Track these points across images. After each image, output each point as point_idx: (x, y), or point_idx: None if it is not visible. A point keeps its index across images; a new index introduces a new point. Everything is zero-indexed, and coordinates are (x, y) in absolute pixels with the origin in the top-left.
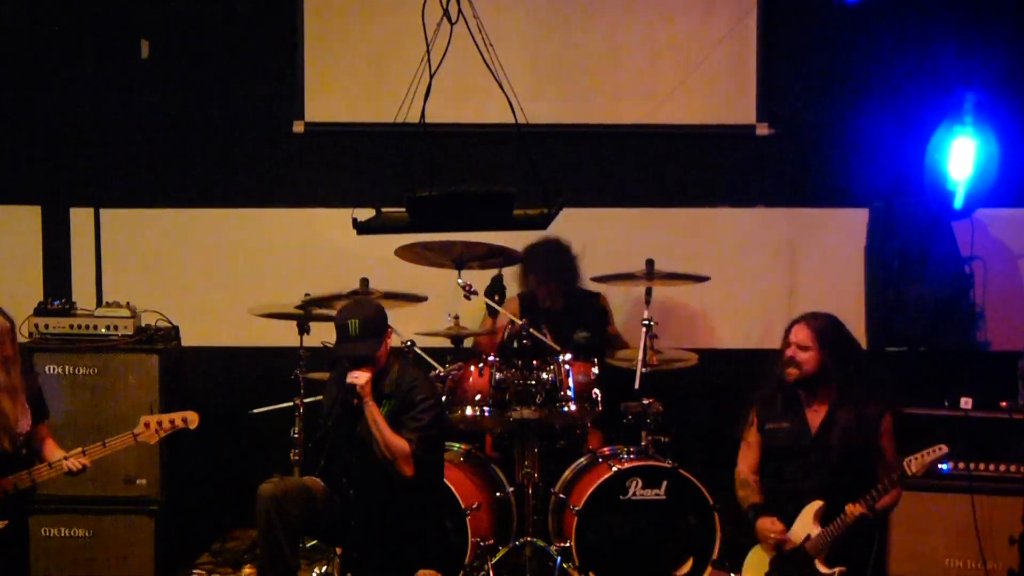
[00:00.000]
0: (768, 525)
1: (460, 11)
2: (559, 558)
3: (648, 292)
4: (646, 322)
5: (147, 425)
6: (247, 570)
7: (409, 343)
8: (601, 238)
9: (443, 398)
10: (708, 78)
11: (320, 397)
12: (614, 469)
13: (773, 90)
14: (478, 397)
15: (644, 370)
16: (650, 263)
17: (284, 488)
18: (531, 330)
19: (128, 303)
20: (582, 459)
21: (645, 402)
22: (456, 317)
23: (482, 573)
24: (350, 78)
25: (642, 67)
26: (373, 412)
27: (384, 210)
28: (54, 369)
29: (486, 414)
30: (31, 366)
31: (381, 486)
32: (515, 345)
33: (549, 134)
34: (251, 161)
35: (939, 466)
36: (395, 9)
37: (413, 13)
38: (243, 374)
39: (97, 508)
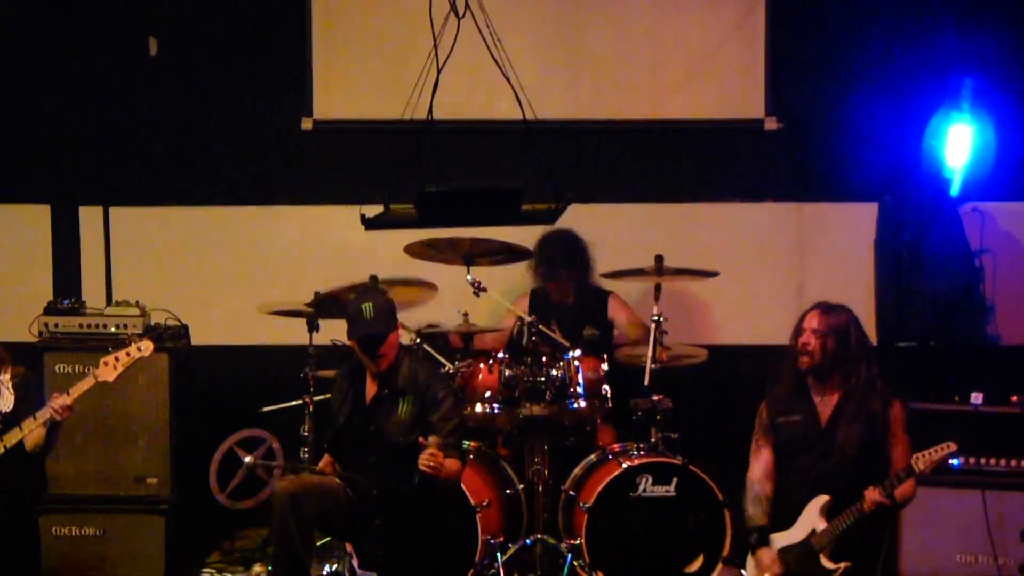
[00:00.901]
0: (767, 562)
1: (467, 6)
2: (569, 555)
3: (657, 288)
4: (655, 318)
5: (105, 363)
6: (258, 568)
7: (418, 341)
8: (609, 234)
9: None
10: (716, 73)
11: (329, 396)
12: (624, 466)
13: (781, 84)
14: (488, 394)
15: (654, 366)
16: (659, 259)
17: (300, 485)
18: (540, 327)
19: (138, 302)
20: (592, 456)
21: (655, 398)
22: (466, 314)
23: (492, 571)
24: (358, 75)
25: (650, 62)
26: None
27: (393, 206)
28: (64, 368)
29: (496, 411)
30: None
31: (399, 482)
32: (524, 342)
33: (557, 129)
34: (260, 159)
35: (950, 461)
36: (403, 5)
37: (421, 9)
38: (253, 372)
39: (108, 507)
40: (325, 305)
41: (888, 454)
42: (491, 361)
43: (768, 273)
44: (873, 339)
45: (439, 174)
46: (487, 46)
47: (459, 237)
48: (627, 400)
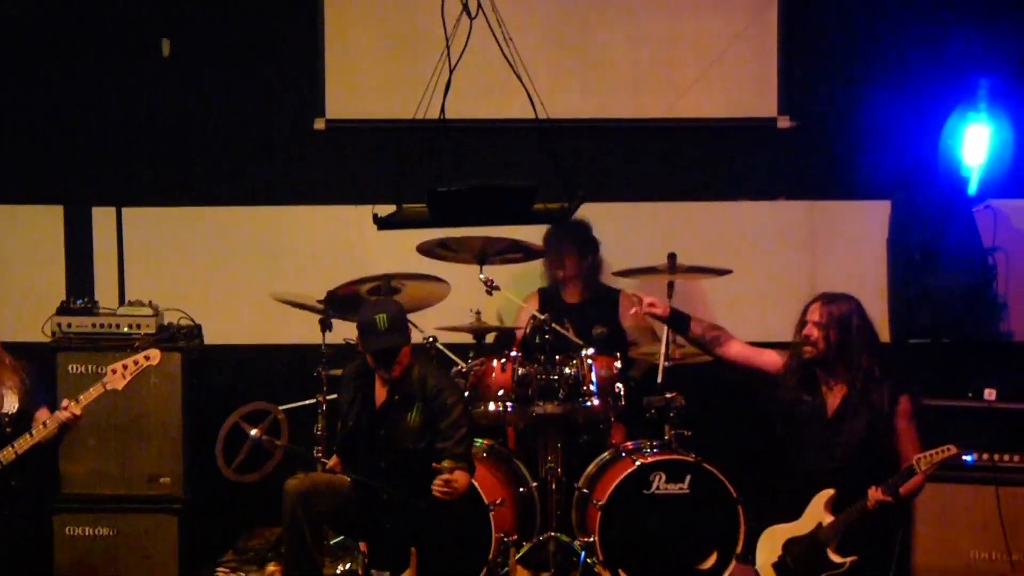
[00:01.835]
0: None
1: (480, 6)
2: (583, 553)
3: (670, 286)
4: None
5: (114, 371)
6: (271, 568)
7: (431, 339)
8: (622, 232)
9: (465, 394)
10: (729, 71)
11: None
12: (637, 463)
13: (794, 82)
14: (501, 392)
15: (667, 364)
16: (672, 256)
17: (310, 484)
18: (554, 324)
19: (151, 301)
20: (605, 453)
21: (668, 396)
22: (478, 312)
23: (506, 568)
24: (370, 74)
25: (663, 61)
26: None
27: (405, 206)
28: (77, 368)
29: (509, 409)
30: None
31: (409, 485)
32: (537, 340)
33: (570, 128)
34: (272, 158)
35: (963, 458)
36: (415, 4)
37: (433, 8)
38: (266, 371)
39: (121, 507)
40: (337, 302)
41: (895, 447)
42: (504, 359)
43: (781, 271)
44: (886, 336)
45: (452, 173)
46: (499, 46)
47: (471, 236)
48: (640, 398)
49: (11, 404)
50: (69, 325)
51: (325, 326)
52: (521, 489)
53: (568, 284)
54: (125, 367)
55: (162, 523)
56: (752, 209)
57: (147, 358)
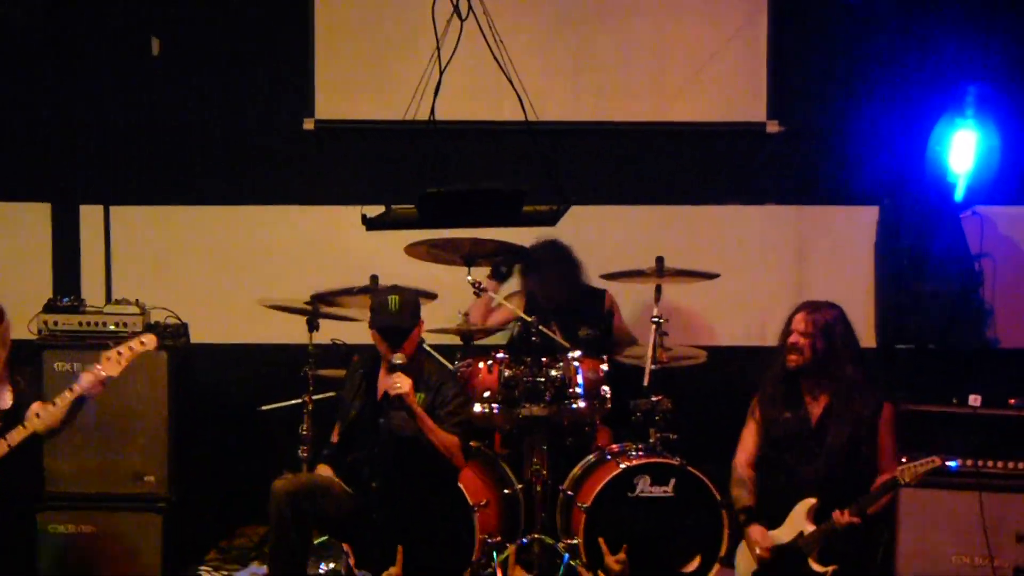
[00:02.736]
0: (757, 536)
1: (470, 8)
2: (567, 555)
3: (658, 289)
4: (656, 319)
5: (108, 358)
6: (255, 567)
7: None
8: (611, 235)
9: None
10: (719, 76)
11: (331, 394)
12: (622, 466)
13: (784, 88)
14: (487, 394)
15: (653, 367)
16: (660, 260)
17: (298, 484)
18: (540, 327)
19: (137, 300)
20: (590, 456)
21: (654, 399)
22: (466, 314)
23: (489, 570)
24: (361, 76)
25: (653, 65)
26: (423, 418)
27: (394, 207)
28: (63, 366)
29: (495, 411)
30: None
31: (404, 478)
32: (524, 342)
33: (559, 131)
34: (262, 158)
35: (947, 463)
36: (405, 6)
37: (423, 10)
38: (252, 371)
39: (105, 505)
40: (323, 302)
41: (873, 457)
42: (490, 361)
43: (768, 275)
44: (872, 342)
45: (441, 175)
46: (490, 48)
47: (460, 238)
48: (627, 401)
49: (4, 400)
50: (55, 323)
51: (312, 326)
52: (506, 491)
53: (551, 299)
54: (120, 353)
55: (146, 522)
56: (741, 213)
57: (142, 343)
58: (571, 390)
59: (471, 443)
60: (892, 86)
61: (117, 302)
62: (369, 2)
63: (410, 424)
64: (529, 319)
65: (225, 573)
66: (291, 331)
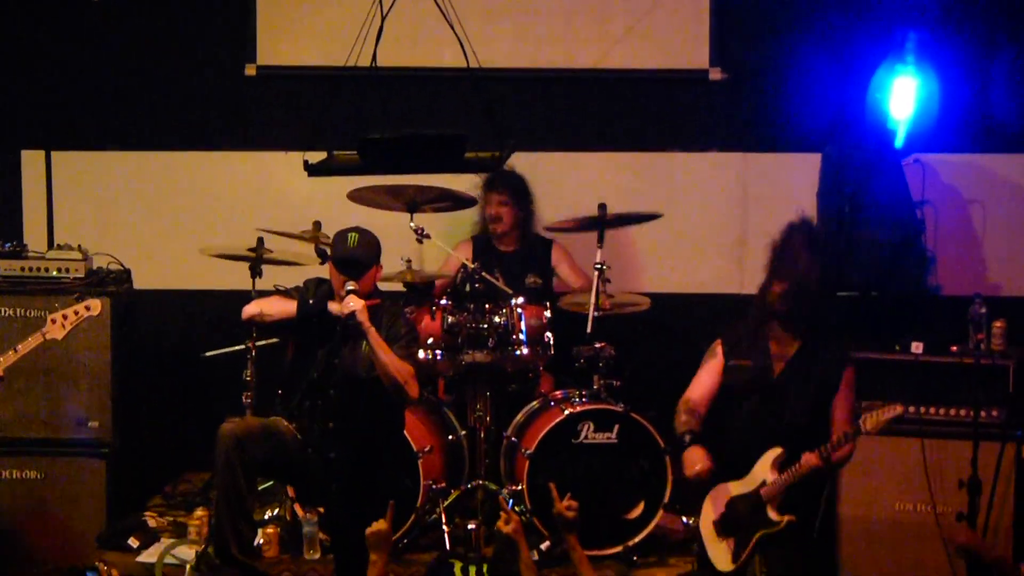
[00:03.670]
0: (696, 457)
1: None
2: (511, 501)
3: (600, 236)
4: (598, 266)
5: (53, 321)
6: (199, 512)
7: None
8: (553, 182)
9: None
10: (661, 22)
11: (274, 340)
12: (566, 412)
13: (726, 34)
14: (430, 340)
15: (596, 314)
16: (602, 207)
17: (245, 427)
18: (483, 273)
19: (79, 246)
20: (534, 403)
21: (597, 346)
22: (409, 261)
23: (434, 516)
24: (302, 21)
25: (595, 11)
26: (375, 337)
27: (336, 153)
28: (4, 311)
29: (438, 357)
30: None
31: (359, 416)
32: (467, 288)
33: (501, 78)
34: (203, 104)
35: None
36: None
37: None
38: (195, 317)
39: (49, 450)
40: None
41: (830, 412)
42: (434, 308)
43: (711, 222)
44: None
45: (383, 121)
46: None
47: (402, 184)
48: (570, 347)
49: None
50: None
51: (255, 272)
52: (450, 437)
53: (503, 234)
54: (65, 316)
55: (90, 467)
56: (684, 160)
57: (87, 308)
58: (514, 336)
59: (428, 393)
60: (834, 31)
61: (59, 247)
62: None
63: (365, 363)
64: (472, 265)
65: (170, 519)
66: (234, 277)
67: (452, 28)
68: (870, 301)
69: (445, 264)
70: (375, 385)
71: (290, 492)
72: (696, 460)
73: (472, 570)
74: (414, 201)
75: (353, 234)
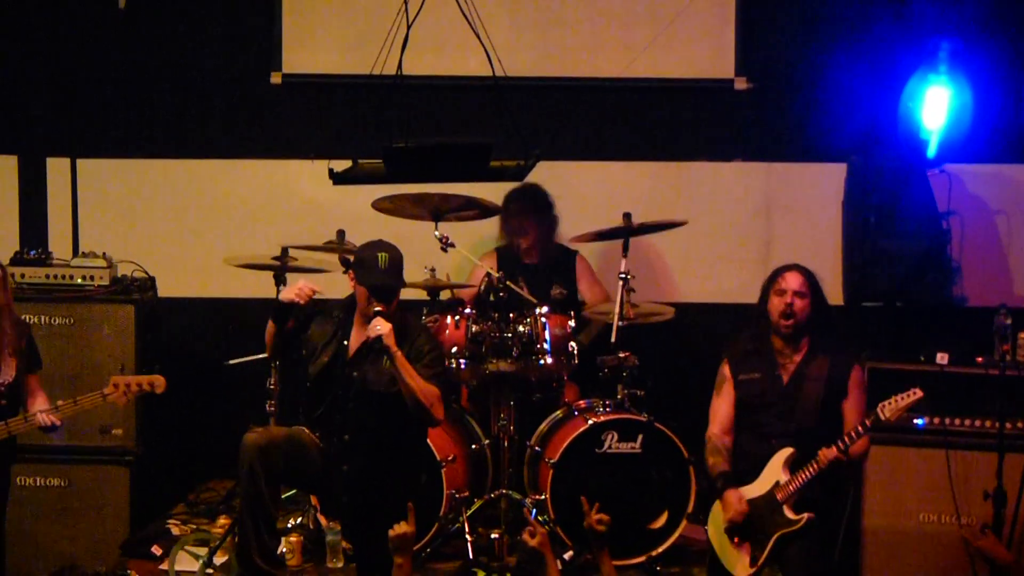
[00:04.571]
0: (733, 500)
1: None
2: (534, 510)
3: (625, 244)
4: (623, 275)
5: (116, 386)
6: (222, 521)
7: None
8: (577, 191)
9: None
10: (687, 31)
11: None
12: (590, 422)
13: (752, 44)
14: (454, 349)
15: (620, 323)
16: (627, 216)
17: (269, 437)
18: (508, 283)
19: (104, 253)
20: (558, 412)
21: (621, 355)
22: (432, 269)
23: (457, 525)
24: (328, 29)
25: (621, 20)
26: (402, 361)
27: (361, 161)
28: (30, 319)
29: (462, 366)
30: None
31: (375, 429)
32: (492, 297)
33: (527, 86)
34: (229, 112)
35: (914, 421)
36: None
37: None
38: (219, 325)
39: (73, 458)
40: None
41: (841, 413)
42: (458, 316)
43: (736, 232)
44: (840, 299)
45: (408, 130)
46: (458, 2)
47: (427, 193)
48: (594, 357)
49: (8, 373)
50: (23, 276)
51: (279, 281)
52: (473, 446)
53: (527, 249)
54: (128, 386)
55: (114, 475)
56: (708, 170)
57: (151, 384)
58: (538, 346)
59: (452, 403)
60: (863, 42)
61: (84, 255)
62: None
63: (386, 378)
64: (497, 274)
65: (193, 527)
66: (258, 285)
67: (478, 37)
68: (895, 311)
69: (472, 275)
70: (394, 399)
71: (313, 501)
72: (732, 504)
73: None
74: (438, 209)
75: (383, 255)
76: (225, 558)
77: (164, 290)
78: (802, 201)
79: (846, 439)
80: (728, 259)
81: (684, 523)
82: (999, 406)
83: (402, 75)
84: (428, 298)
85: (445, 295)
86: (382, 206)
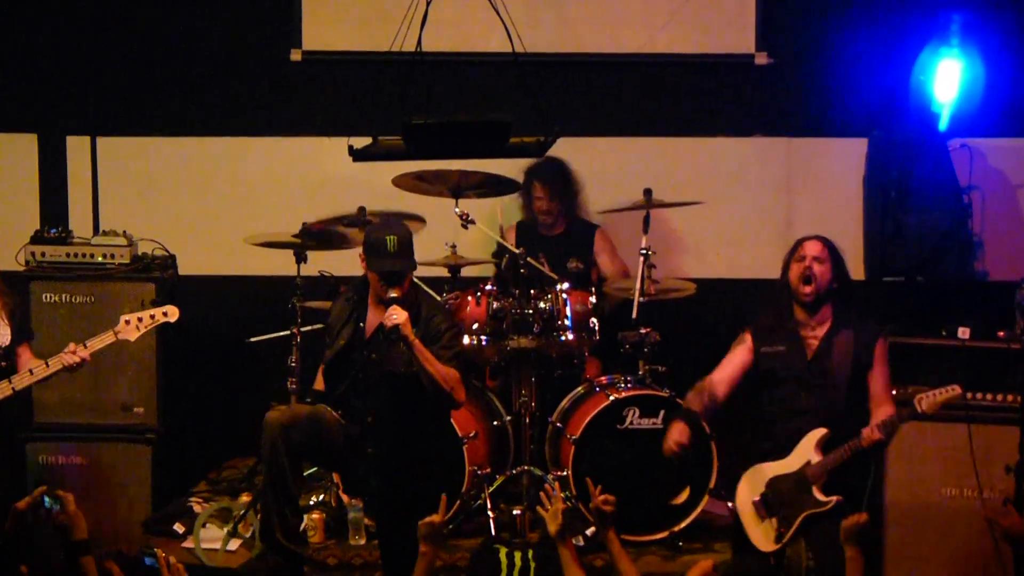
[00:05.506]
0: (675, 432)
1: None
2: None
3: (646, 221)
4: (644, 251)
5: (127, 322)
6: (244, 498)
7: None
8: (598, 167)
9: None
10: (706, 7)
11: (319, 325)
12: (611, 398)
13: (772, 19)
14: (475, 326)
15: (642, 299)
16: (648, 192)
17: (291, 415)
18: (528, 259)
19: (125, 231)
20: (579, 388)
21: (643, 331)
22: (453, 246)
23: (479, 501)
24: (347, 6)
25: None
26: (420, 349)
27: (381, 138)
28: (51, 297)
29: (483, 343)
30: (18, 289)
31: (396, 410)
32: (512, 274)
33: (546, 62)
34: (249, 89)
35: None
36: None
37: None
38: (240, 303)
39: (94, 436)
40: (311, 236)
41: (867, 386)
42: (479, 293)
43: (756, 208)
44: (861, 274)
45: (428, 106)
46: None
47: (447, 169)
48: (615, 333)
49: (4, 336)
50: (43, 254)
51: (300, 258)
52: (495, 423)
53: (547, 220)
54: (140, 320)
55: (135, 453)
56: (729, 145)
57: (164, 314)
58: (559, 322)
59: (473, 379)
60: (879, 15)
61: (105, 233)
62: None
63: (403, 359)
64: (517, 251)
65: (215, 504)
66: (279, 263)
67: (497, 13)
68: (916, 286)
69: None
70: (414, 380)
71: (335, 479)
72: (671, 434)
73: (517, 555)
74: (458, 186)
75: (391, 237)
76: (248, 534)
77: (185, 268)
78: (823, 176)
79: (886, 423)
80: (749, 234)
81: (706, 498)
82: (1021, 380)
83: (422, 52)
84: (449, 275)
85: (467, 271)
86: (402, 183)
